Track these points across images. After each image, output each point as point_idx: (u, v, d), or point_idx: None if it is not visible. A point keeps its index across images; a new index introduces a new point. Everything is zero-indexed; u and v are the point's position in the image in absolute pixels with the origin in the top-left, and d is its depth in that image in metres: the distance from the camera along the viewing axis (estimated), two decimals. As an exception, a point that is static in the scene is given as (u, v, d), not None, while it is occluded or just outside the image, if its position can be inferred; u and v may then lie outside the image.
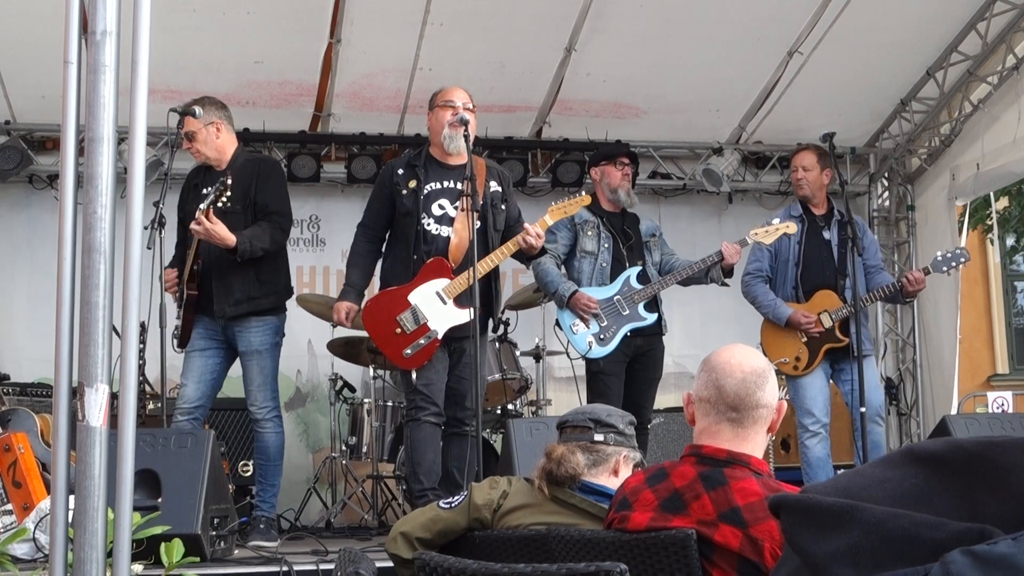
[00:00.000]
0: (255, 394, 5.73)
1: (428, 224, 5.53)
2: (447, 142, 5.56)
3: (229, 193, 5.41)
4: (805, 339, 6.18)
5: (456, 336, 5.47)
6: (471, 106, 5.63)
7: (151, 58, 2.49)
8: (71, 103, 2.48)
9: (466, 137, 5.38)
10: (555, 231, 6.21)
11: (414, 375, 5.47)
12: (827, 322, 6.12)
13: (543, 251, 5.80)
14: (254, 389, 5.73)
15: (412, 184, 5.57)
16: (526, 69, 7.61)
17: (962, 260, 6.22)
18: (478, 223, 5.34)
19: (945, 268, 6.23)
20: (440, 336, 5.46)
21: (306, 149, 8.11)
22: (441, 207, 5.56)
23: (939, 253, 6.34)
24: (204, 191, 5.60)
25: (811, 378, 6.19)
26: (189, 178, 5.95)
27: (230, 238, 5.46)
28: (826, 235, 6.27)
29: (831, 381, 6.34)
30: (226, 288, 5.62)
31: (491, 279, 5.67)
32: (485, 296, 5.56)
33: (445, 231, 5.54)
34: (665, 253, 6.47)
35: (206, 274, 5.64)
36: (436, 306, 5.46)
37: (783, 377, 6.69)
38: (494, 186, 5.70)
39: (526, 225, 5.61)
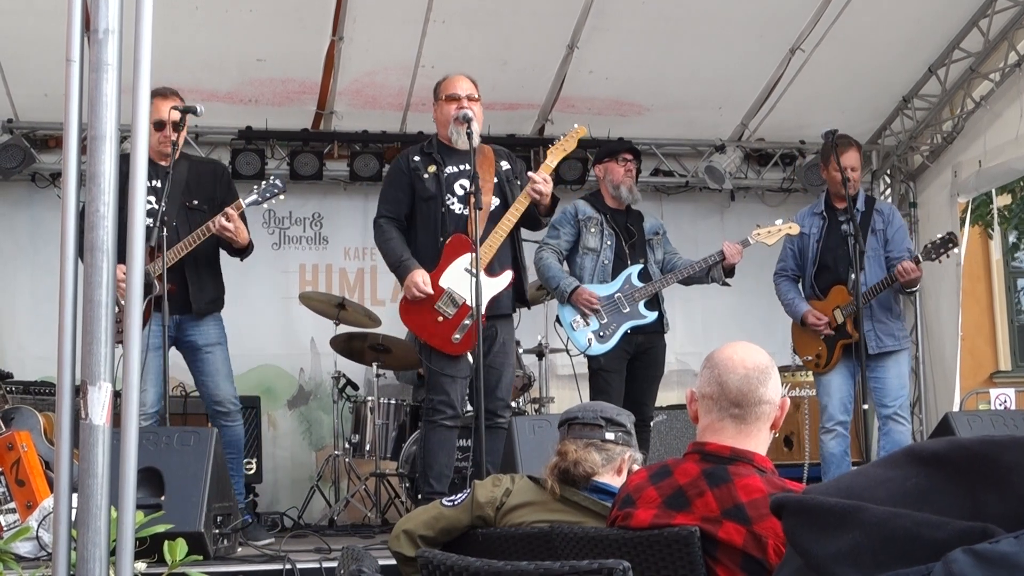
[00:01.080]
0: (223, 386, 5.66)
1: (452, 204, 5.53)
2: (454, 138, 5.58)
3: (282, 197, 5.63)
4: (823, 336, 6.19)
5: (489, 315, 5.35)
6: (476, 95, 5.62)
7: (153, 56, 2.49)
8: (73, 101, 2.48)
9: (469, 135, 5.38)
10: (558, 227, 6.23)
11: (470, 357, 5.41)
12: (838, 318, 6.11)
13: (555, 201, 5.65)
14: (220, 380, 5.66)
15: (432, 169, 5.58)
16: (528, 67, 7.61)
17: (951, 246, 6.16)
18: (496, 201, 5.43)
19: (935, 255, 6.17)
20: (484, 312, 5.33)
21: (309, 147, 8.10)
22: (462, 187, 5.55)
23: (928, 241, 6.32)
24: (152, 183, 5.53)
25: (831, 375, 6.19)
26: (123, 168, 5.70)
27: (246, 237, 5.59)
28: (844, 229, 6.21)
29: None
30: (201, 285, 5.67)
31: (515, 245, 5.65)
32: (514, 262, 5.59)
33: (465, 208, 5.52)
34: (668, 252, 6.47)
35: (176, 269, 5.55)
36: (469, 283, 5.37)
37: (794, 375, 6.70)
38: (505, 165, 5.73)
39: (530, 174, 5.55)
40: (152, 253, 5.41)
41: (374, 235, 5.70)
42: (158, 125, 5.59)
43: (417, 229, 5.62)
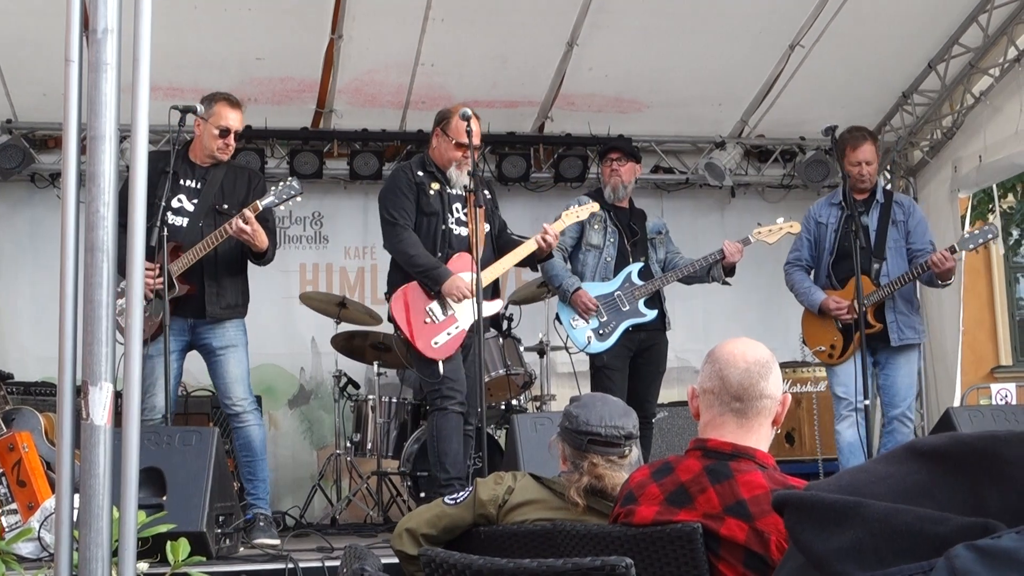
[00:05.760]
0: (235, 388, 5.60)
1: (452, 225, 5.69)
2: (453, 179, 5.73)
3: (299, 199, 5.60)
4: (840, 326, 6.10)
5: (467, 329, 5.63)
6: (478, 137, 5.66)
7: (152, 55, 2.49)
8: (73, 101, 2.48)
9: (471, 174, 5.57)
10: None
11: (440, 366, 5.52)
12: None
13: (550, 256, 5.93)
14: (232, 383, 5.61)
15: (436, 186, 5.70)
16: (528, 64, 7.61)
17: (990, 236, 6.10)
18: (487, 227, 5.67)
19: (972, 246, 6.09)
20: (466, 329, 5.57)
21: (308, 146, 8.10)
22: (458, 209, 5.73)
23: (966, 232, 6.28)
24: (184, 183, 5.56)
25: (846, 366, 6.06)
26: (157, 165, 5.35)
27: (266, 241, 5.51)
28: (865, 220, 6.16)
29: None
30: (219, 290, 5.60)
31: (497, 278, 5.84)
32: (493, 294, 5.79)
33: (464, 231, 5.69)
34: (670, 251, 6.50)
35: (195, 272, 5.52)
36: (463, 302, 5.59)
37: (796, 371, 6.64)
38: (487, 193, 5.82)
39: (545, 225, 5.78)
40: (174, 253, 5.42)
41: (395, 241, 5.69)
42: (223, 132, 5.61)
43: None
